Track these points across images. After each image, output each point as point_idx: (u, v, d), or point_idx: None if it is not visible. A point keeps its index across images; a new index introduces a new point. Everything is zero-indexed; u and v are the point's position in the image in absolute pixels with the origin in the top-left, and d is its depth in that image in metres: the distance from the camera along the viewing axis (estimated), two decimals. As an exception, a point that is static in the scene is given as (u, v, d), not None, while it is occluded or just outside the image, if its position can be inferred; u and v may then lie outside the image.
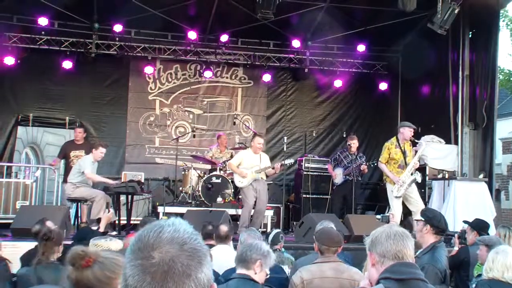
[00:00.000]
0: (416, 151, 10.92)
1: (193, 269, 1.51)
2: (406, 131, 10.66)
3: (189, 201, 12.81)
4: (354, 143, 12.64)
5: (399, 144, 10.66)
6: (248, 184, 11.00)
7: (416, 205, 10.47)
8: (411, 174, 10.45)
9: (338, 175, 12.71)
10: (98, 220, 10.41)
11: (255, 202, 11.07)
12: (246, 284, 4.39)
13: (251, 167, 11.02)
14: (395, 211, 10.52)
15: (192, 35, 14.51)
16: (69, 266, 2.93)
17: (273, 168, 11.22)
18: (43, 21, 13.58)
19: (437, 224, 5.49)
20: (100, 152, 11.16)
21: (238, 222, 11.17)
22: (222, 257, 5.95)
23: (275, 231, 7.47)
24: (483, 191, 11.73)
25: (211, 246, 6.72)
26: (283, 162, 11.76)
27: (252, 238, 5.41)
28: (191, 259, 1.52)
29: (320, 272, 4.93)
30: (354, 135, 13.36)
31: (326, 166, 13.52)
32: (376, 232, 3.14)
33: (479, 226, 7.52)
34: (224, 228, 6.61)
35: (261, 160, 11.11)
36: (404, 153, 10.59)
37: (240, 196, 11.69)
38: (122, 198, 11.43)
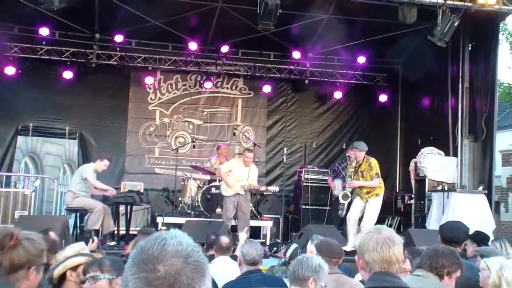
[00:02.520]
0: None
1: (197, 282, 1.52)
2: (350, 151, 10.66)
3: (188, 211, 12.80)
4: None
5: (355, 164, 10.55)
6: (231, 195, 11.10)
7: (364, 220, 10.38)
8: (343, 195, 10.38)
9: (337, 187, 12.70)
10: (96, 231, 10.42)
11: (235, 213, 11.25)
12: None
13: (239, 180, 11.11)
14: (348, 215, 10.43)
15: (192, 45, 14.56)
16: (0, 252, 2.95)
17: (257, 189, 11.44)
18: (44, 31, 13.64)
19: (443, 233, 5.59)
20: (104, 164, 11.20)
21: (237, 233, 11.17)
22: (224, 269, 5.91)
23: (294, 246, 7.34)
24: (482, 203, 11.71)
25: (212, 256, 6.69)
26: (268, 188, 12.16)
27: (255, 250, 5.38)
28: (195, 272, 1.52)
29: (320, 284, 4.90)
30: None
31: (326, 178, 13.53)
32: (364, 239, 3.18)
33: (479, 238, 7.50)
34: (225, 239, 6.55)
35: (249, 174, 11.23)
36: (350, 174, 10.44)
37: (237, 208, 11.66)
38: (121, 208, 11.44)
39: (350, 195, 10.27)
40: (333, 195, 12.88)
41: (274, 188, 12.52)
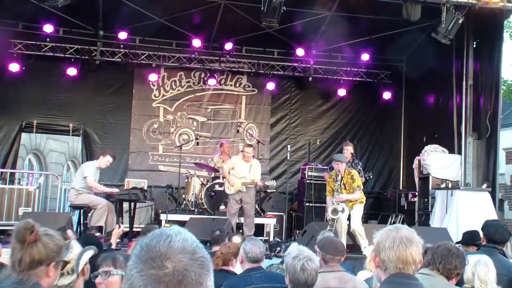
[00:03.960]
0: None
1: (204, 278, 1.53)
2: (333, 164, 10.54)
3: (192, 208, 12.81)
4: (347, 149, 12.36)
5: (336, 178, 10.41)
6: (234, 192, 11.17)
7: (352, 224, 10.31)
8: (332, 210, 10.18)
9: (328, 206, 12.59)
10: (99, 228, 10.42)
11: (240, 209, 11.29)
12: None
13: (240, 176, 11.16)
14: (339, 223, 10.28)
15: (196, 43, 14.57)
16: (18, 245, 2.94)
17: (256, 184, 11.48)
18: (48, 28, 13.65)
19: (487, 232, 6.01)
20: (106, 160, 11.08)
21: (241, 231, 11.19)
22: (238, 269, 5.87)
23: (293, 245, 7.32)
24: (486, 201, 11.67)
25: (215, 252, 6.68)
26: (264, 182, 12.21)
27: (258, 247, 5.38)
28: (202, 267, 1.53)
29: (324, 282, 4.86)
30: (349, 142, 13.14)
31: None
32: (382, 236, 3.12)
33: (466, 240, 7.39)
34: (237, 239, 6.48)
35: (250, 170, 11.25)
36: (337, 187, 10.28)
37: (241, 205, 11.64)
38: (125, 205, 11.45)
39: (339, 210, 10.19)
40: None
41: (271, 183, 12.54)
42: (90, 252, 4.04)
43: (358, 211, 10.43)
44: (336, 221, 10.21)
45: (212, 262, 1.59)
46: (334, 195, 10.32)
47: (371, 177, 13.31)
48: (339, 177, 10.35)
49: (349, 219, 10.38)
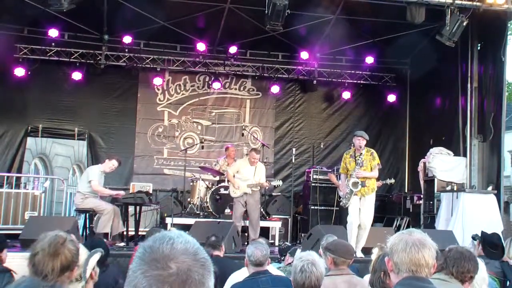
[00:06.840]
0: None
1: (206, 278, 1.56)
2: (354, 140, 10.30)
3: (197, 212, 12.83)
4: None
5: (354, 154, 10.32)
6: (239, 195, 11.16)
7: (361, 218, 10.05)
8: (353, 183, 10.06)
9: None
10: (105, 235, 10.42)
11: (245, 212, 11.29)
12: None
13: (245, 179, 11.18)
14: (350, 219, 10.08)
15: (201, 46, 14.57)
16: (49, 256, 2.97)
17: (262, 185, 11.46)
18: (53, 32, 13.70)
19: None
20: (111, 164, 11.04)
21: (246, 234, 11.20)
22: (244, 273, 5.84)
23: (294, 247, 7.28)
24: (491, 203, 11.66)
25: (217, 257, 6.70)
26: (270, 183, 12.16)
27: (260, 251, 5.37)
28: (204, 268, 1.57)
29: (333, 285, 4.85)
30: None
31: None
32: (395, 239, 3.14)
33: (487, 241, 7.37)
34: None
35: (255, 173, 11.26)
36: (358, 163, 10.08)
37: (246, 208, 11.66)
38: (131, 209, 11.46)
39: (359, 182, 10.02)
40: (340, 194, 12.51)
41: (277, 182, 12.55)
42: (97, 256, 4.03)
43: (370, 202, 10.14)
44: (352, 195, 10.03)
45: (212, 264, 1.62)
46: (355, 169, 10.08)
47: (393, 183, 12.95)
48: (360, 153, 10.18)
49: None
